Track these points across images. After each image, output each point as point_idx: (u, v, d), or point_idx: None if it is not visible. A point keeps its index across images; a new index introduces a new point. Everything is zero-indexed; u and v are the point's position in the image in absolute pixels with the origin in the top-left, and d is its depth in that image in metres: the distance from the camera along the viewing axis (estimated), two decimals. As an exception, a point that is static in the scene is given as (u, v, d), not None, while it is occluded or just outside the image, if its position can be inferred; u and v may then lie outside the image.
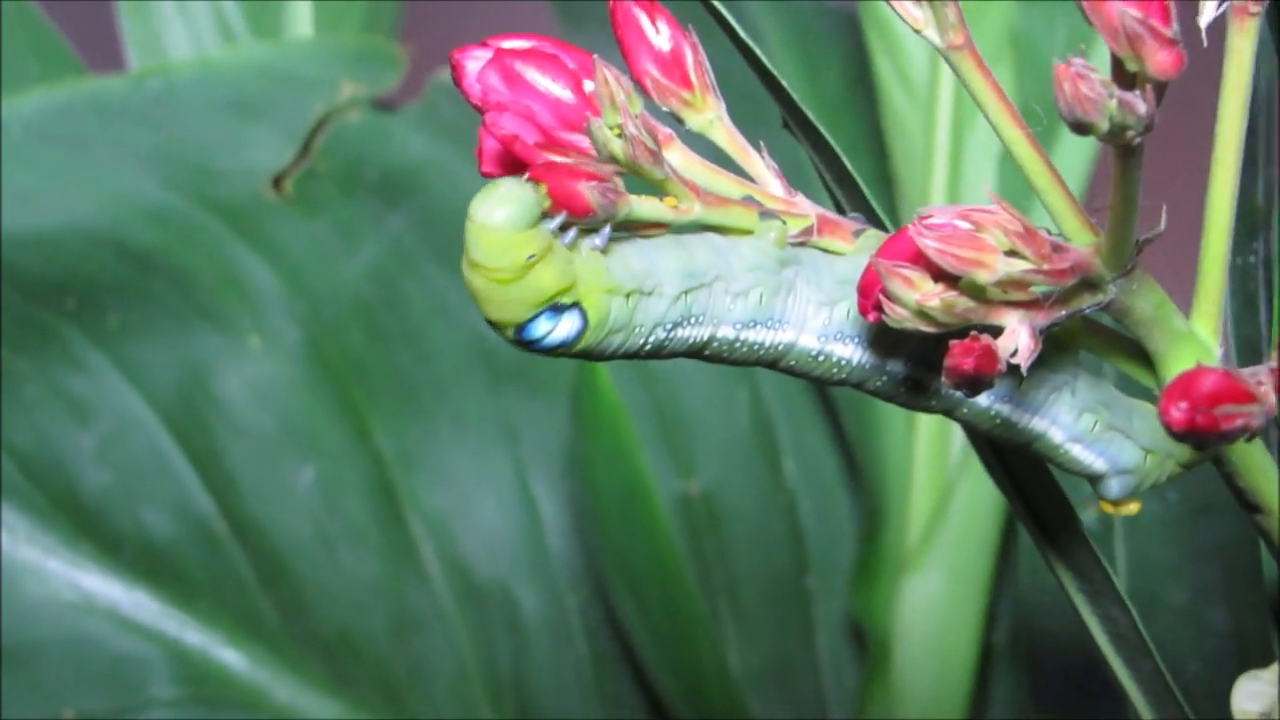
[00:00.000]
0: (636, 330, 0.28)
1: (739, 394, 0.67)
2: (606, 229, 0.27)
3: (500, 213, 0.26)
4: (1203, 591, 0.50)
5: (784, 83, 0.27)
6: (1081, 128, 0.22)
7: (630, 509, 0.60)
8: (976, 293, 0.26)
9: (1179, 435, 0.22)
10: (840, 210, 0.30)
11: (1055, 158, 0.62)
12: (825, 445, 0.68)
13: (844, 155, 0.28)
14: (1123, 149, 0.24)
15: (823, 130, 0.27)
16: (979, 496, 0.63)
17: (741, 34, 0.28)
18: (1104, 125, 0.22)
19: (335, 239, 0.62)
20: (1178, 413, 0.22)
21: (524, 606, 0.64)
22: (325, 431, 0.62)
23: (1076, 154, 0.63)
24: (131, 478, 0.62)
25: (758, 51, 0.27)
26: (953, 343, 0.25)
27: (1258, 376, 0.23)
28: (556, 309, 0.27)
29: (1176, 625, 0.50)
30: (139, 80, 0.61)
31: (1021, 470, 0.34)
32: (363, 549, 0.63)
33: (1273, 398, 0.22)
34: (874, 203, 0.28)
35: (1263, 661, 0.34)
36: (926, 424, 0.64)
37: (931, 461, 0.65)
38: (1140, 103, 0.22)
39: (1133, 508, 0.33)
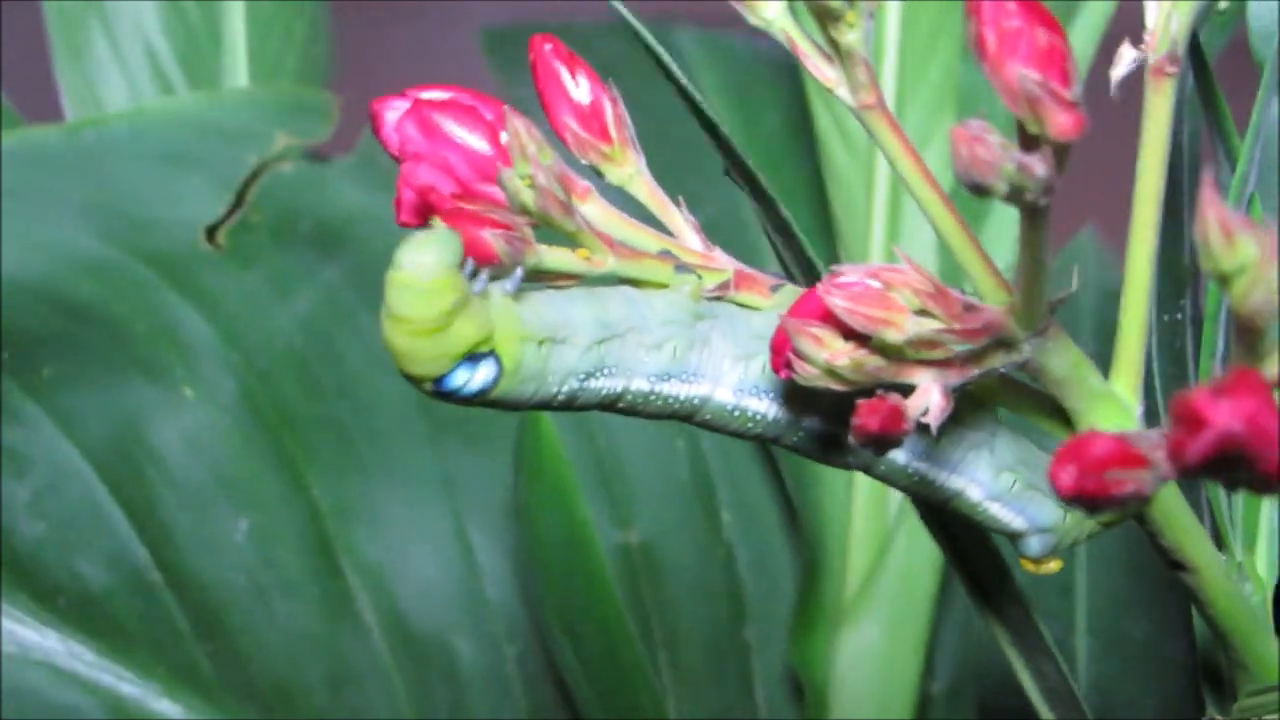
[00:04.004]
0: (549, 379, 0.28)
1: (678, 445, 0.67)
2: (518, 273, 0.27)
3: (426, 255, 0.26)
4: (1164, 623, 0.49)
5: (724, 130, 0.27)
6: (979, 190, 0.22)
7: (571, 558, 0.60)
8: (887, 351, 0.26)
9: (1069, 500, 0.22)
10: (780, 258, 0.30)
11: (996, 211, 0.62)
12: (764, 497, 0.67)
13: (781, 204, 0.28)
14: (1028, 209, 0.24)
15: (762, 179, 0.27)
16: (917, 548, 0.63)
17: (684, 83, 0.28)
18: (1001, 188, 0.22)
19: (269, 290, 0.62)
20: (1067, 477, 0.22)
21: (462, 657, 0.64)
22: (260, 482, 0.62)
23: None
24: (66, 528, 0.61)
25: (699, 100, 0.27)
26: (859, 402, 0.25)
27: (1155, 441, 0.23)
28: (474, 358, 0.27)
29: (1136, 660, 0.50)
30: (73, 131, 0.60)
31: (958, 529, 0.34)
32: (299, 600, 0.62)
33: (1165, 464, 0.22)
34: (810, 251, 0.28)
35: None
36: (865, 475, 0.63)
37: (870, 513, 0.65)
38: (1039, 165, 0.22)
39: (1053, 565, 0.33)
